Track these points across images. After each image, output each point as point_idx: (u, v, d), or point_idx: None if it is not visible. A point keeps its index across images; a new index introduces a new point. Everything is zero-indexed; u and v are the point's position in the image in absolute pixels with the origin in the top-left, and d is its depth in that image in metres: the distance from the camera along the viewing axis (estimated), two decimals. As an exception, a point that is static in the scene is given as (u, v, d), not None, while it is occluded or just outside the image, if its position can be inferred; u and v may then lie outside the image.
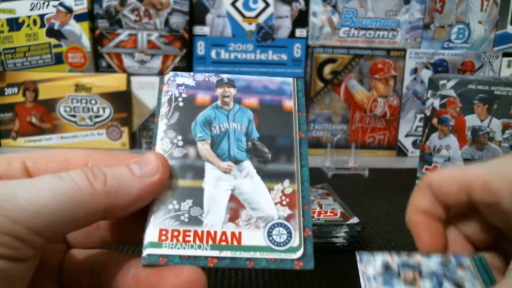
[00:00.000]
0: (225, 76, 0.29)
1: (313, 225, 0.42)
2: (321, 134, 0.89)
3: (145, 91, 0.85)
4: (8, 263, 0.19)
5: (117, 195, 0.21)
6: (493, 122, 0.56)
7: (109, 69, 0.85)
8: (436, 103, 0.60)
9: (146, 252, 0.23)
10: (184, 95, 0.27)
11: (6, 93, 0.83)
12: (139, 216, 0.24)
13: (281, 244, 0.24)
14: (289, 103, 0.28)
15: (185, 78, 0.28)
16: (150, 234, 0.23)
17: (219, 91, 0.28)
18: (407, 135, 0.90)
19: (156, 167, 0.23)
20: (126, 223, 0.25)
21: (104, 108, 0.84)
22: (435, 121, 0.61)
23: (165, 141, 0.26)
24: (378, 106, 0.88)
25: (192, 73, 0.28)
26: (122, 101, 0.84)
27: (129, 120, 0.86)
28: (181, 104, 0.27)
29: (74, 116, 0.85)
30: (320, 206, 0.46)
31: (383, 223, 0.51)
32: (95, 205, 0.21)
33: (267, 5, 0.84)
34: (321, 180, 0.67)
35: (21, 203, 0.19)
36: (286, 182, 0.26)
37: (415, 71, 0.87)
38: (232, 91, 0.28)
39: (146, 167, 0.23)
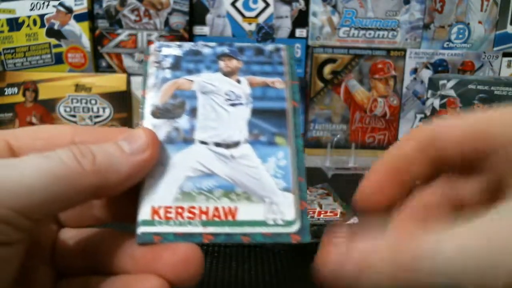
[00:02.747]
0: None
1: (313, 225, 0.42)
2: (321, 134, 0.89)
3: (145, 91, 0.85)
4: None
5: (106, 173, 0.21)
6: (493, 122, 0.56)
7: (109, 69, 0.85)
8: (436, 103, 0.60)
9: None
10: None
11: (6, 93, 0.83)
12: (132, 192, 0.23)
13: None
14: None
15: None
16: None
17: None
18: (407, 135, 0.90)
19: (146, 144, 0.22)
20: (119, 200, 0.24)
21: (104, 108, 0.84)
22: (435, 121, 0.61)
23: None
24: (378, 106, 0.88)
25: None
26: (122, 101, 0.84)
27: (129, 120, 0.86)
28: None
29: (74, 116, 0.85)
30: (320, 206, 0.46)
31: (383, 223, 0.51)
32: (84, 185, 0.20)
33: (267, 5, 0.84)
34: (321, 180, 0.67)
35: (6, 185, 0.18)
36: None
37: (415, 71, 0.87)
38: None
39: (136, 143, 0.22)
